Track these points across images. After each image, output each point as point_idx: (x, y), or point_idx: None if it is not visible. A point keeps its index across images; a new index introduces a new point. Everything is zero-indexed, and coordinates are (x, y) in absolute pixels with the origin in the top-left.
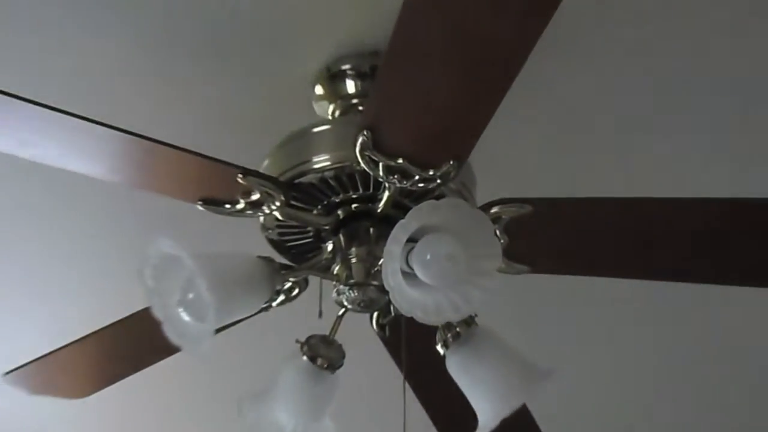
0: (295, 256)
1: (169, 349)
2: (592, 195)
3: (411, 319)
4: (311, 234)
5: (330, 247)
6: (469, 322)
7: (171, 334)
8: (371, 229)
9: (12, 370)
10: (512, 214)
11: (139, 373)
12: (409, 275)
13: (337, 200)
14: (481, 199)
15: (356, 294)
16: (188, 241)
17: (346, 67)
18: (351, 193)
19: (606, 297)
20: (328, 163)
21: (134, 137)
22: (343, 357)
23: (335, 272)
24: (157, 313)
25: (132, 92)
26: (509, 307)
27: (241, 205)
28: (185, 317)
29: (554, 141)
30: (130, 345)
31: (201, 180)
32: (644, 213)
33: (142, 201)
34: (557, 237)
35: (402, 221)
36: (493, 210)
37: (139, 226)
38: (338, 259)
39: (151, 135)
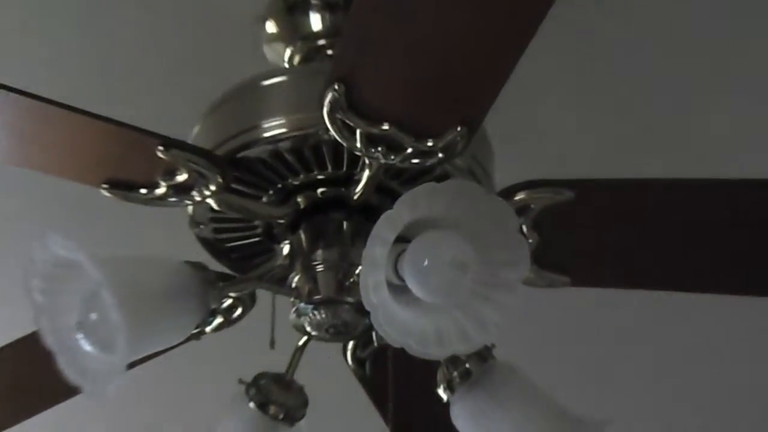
0: (238, 262)
1: (65, 391)
2: (657, 176)
3: (401, 352)
4: (260, 231)
5: (286, 249)
6: (484, 355)
7: (67, 369)
8: (345, 224)
9: None
10: (546, 203)
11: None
12: (398, 289)
13: (296, 183)
14: (501, 181)
15: (324, 316)
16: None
17: None
18: (316, 172)
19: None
20: (283, 130)
21: (8, 93)
22: (306, 404)
23: (294, 285)
24: (48, 340)
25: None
26: (542, 334)
27: (161, 190)
28: (86, 346)
29: (604, 101)
30: (7, 386)
31: (105, 154)
32: (743, 201)
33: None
34: (610, 235)
35: (389, 212)
36: (519, 196)
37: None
38: (298, 267)
39: (34, 91)
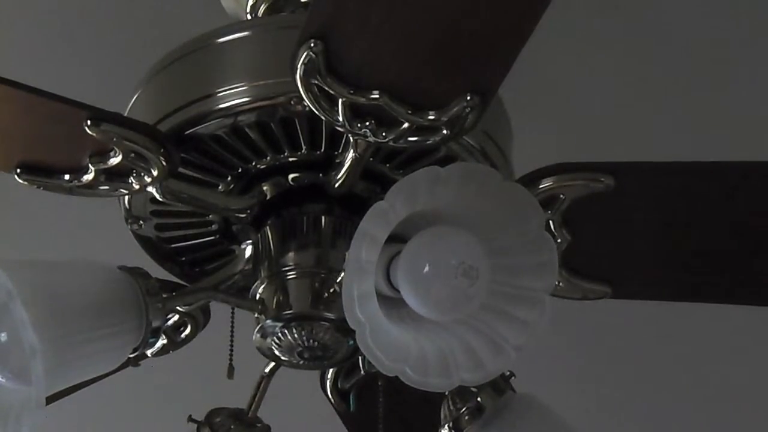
0: (188, 268)
1: None
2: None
3: (394, 382)
4: (215, 228)
5: (249, 251)
6: (499, 387)
7: None
8: (323, 219)
9: None
10: (579, 192)
11: None
12: (391, 302)
13: (261, 167)
14: (521, 164)
15: (296, 336)
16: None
17: None
18: (287, 153)
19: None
20: (245, 99)
21: None
22: None
23: (258, 296)
24: None
25: None
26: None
27: (89, 175)
28: None
29: (649, 66)
30: None
31: (19, 130)
32: None
33: None
34: (661, 233)
35: (379, 204)
36: (545, 184)
37: None
38: (263, 274)
39: None
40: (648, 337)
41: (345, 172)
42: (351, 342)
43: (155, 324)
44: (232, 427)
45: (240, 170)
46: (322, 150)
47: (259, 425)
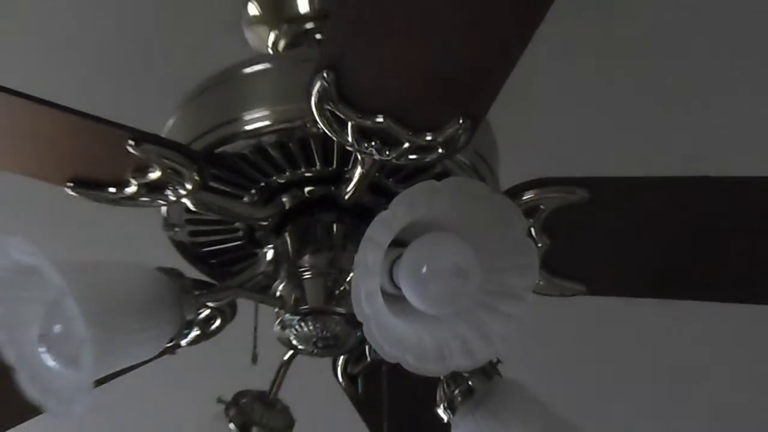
0: (217, 269)
1: (27, 409)
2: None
3: (396, 368)
4: (241, 234)
5: (270, 254)
6: (488, 372)
7: (28, 387)
8: (335, 227)
9: None
10: (557, 203)
11: None
12: (394, 298)
13: (281, 181)
14: (507, 179)
15: (311, 327)
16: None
17: None
18: (303, 169)
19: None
20: (267, 122)
21: None
22: (292, 425)
23: (278, 293)
24: (7, 354)
25: None
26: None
27: (132, 188)
28: (49, 361)
29: (625, 91)
30: None
31: (70, 149)
32: None
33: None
34: (629, 238)
35: (383, 213)
36: (527, 196)
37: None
38: (283, 274)
39: None
40: (628, 335)
41: (354, 185)
42: (359, 333)
43: (189, 317)
44: (256, 406)
45: (263, 184)
46: (334, 166)
47: (279, 405)
